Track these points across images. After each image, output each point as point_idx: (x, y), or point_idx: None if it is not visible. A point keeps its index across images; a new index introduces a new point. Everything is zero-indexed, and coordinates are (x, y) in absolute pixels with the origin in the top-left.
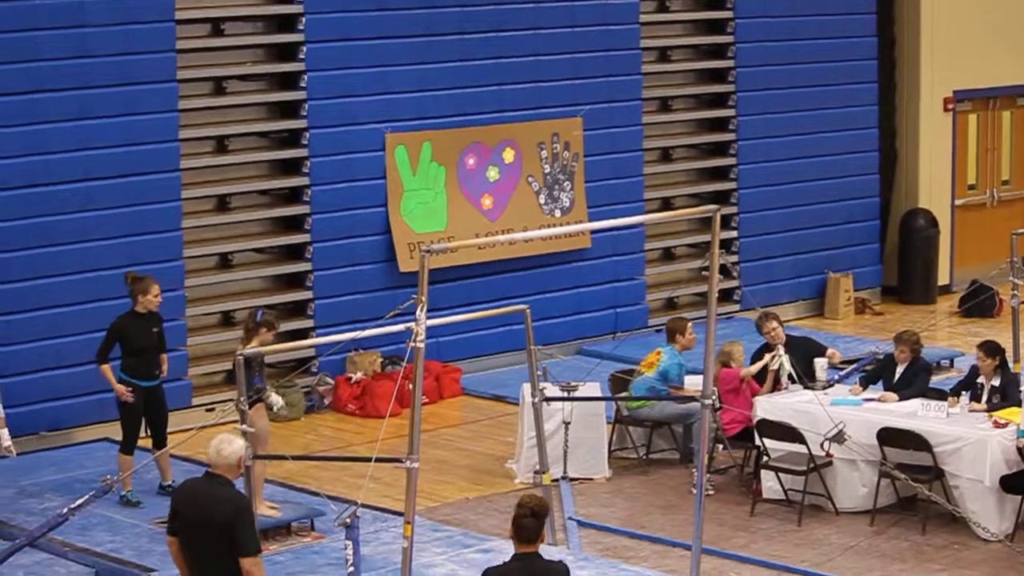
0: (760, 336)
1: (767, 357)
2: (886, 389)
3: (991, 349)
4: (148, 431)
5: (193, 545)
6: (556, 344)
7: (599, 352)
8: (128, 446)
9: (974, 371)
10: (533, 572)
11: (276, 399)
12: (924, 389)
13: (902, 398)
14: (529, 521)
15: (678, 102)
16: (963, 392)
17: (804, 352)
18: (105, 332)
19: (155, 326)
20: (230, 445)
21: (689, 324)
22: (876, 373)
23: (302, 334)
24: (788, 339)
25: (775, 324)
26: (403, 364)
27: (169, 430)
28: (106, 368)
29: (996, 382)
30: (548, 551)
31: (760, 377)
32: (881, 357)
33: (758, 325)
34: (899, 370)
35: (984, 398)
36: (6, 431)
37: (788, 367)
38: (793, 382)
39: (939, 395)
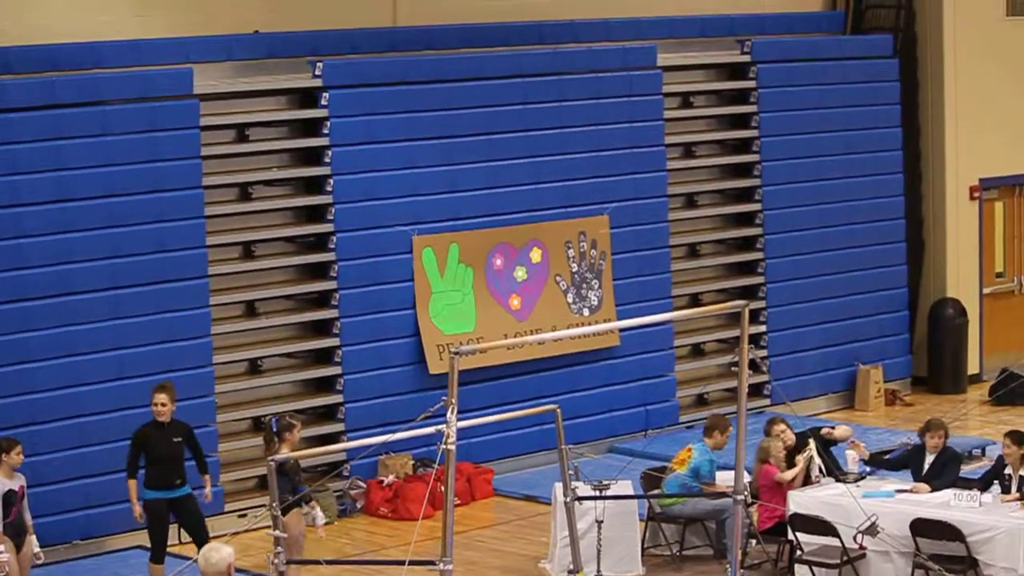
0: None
1: (800, 460)
2: (916, 479)
3: (1019, 438)
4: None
5: None
6: (587, 443)
7: (630, 450)
8: (157, 555)
9: (1001, 461)
10: None
11: (319, 516)
12: (955, 479)
13: (934, 489)
14: None
15: (704, 197)
16: (993, 482)
17: (819, 442)
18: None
19: (177, 436)
20: (217, 553)
21: (729, 426)
22: (902, 461)
23: (333, 438)
24: (800, 435)
25: (783, 427)
26: (435, 466)
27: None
28: (132, 484)
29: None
30: None
31: None
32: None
33: (767, 432)
34: (928, 459)
35: (1013, 488)
36: (34, 537)
37: (818, 460)
38: (823, 474)
39: (969, 484)
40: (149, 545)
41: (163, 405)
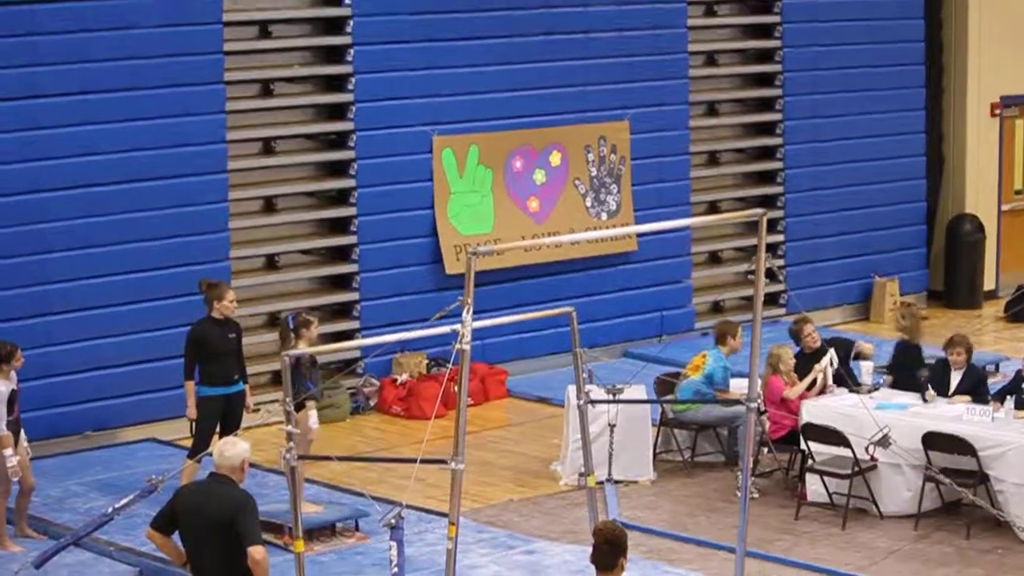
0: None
1: (815, 371)
2: (940, 395)
3: None
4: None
5: (195, 542)
6: (602, 347)
7: (645, 355)
8: (195, 453)
9: (1020, 376)
10: None
11: (313, 418)
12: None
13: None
14: (605, 548)
15: (725, 106)
16: (1008, 396)
17: (838, 353)
18: (185, 346)
19: (232, 332)
20: (233, 448)
21: (739, 328)
22: (932, 380)
23: (348, 335)
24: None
25: (811, 328)
26: (449, 366)
27: None
28: (190, 385)
29: None
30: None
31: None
32: (932, 361)
33: (794, 332)
34: (955, 377)
35: None
36: (10, 450)
37: (831, 371)
38: (838, 384)
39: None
40: (160, 437)
41: (232, 303)
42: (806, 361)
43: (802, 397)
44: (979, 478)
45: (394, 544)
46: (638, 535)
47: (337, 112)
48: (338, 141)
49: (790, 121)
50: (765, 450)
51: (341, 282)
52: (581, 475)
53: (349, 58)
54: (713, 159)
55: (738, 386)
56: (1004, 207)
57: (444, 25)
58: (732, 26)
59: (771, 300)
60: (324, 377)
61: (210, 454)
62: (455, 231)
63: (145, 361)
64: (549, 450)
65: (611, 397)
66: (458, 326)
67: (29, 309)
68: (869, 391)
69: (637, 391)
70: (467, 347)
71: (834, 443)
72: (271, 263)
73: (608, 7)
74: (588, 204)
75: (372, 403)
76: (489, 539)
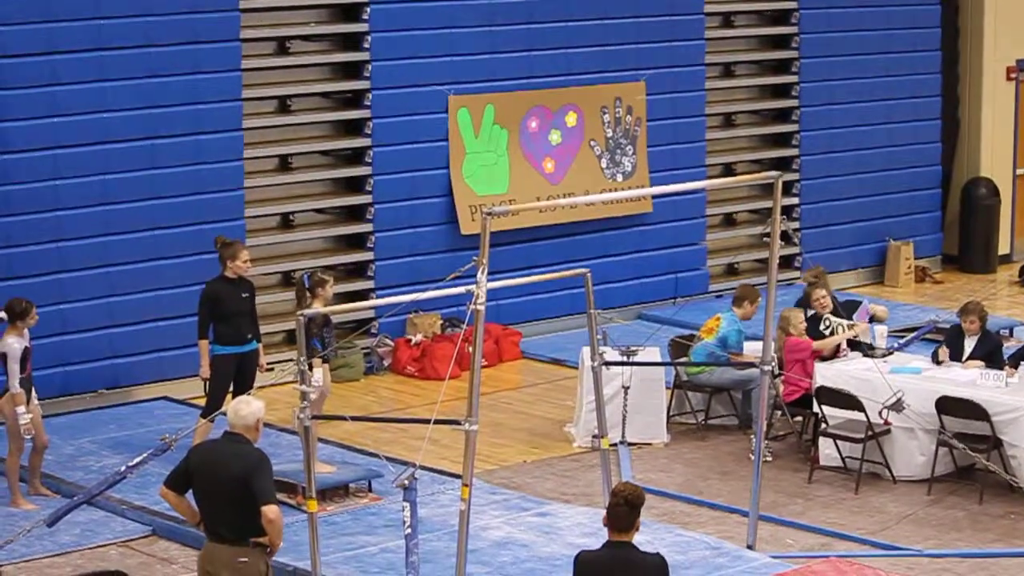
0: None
1: (848, 330)
2: (955, 360)
3: None
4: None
5: (208, 501)
6: (616, 308)
7: (659, 317)
8: (208, 412)
9: None
10: (626, 561)
11: (314, 383)
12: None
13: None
14: (623, 510)
15: (741, 68)
16: (1022, 361)
17: (848, 316)
18: (198, 304)
19: (246, 291)
20: (248, 407)
21: (759, 298)
22: (945, 345)
23: (362, 295)
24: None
25: (823, 292)
26: (463, 326)
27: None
28: (204, 344)
29: None
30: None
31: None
32: (947, 327)
33: (807, 295)
34: (968, 343)
35: None
36: (23, 407)
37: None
38: (852, 348)
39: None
40: (174, 396)
41: (246, 263)
42: (816, 324)
43: (816, 355)
44: (992, 443)
45: (407, 505)
46: (651, 498)
47: (353, 70)
48: (353, 99)
49: (806, 84)
50: (779, 413)
51: (356, 241)
52: (595, 437)
53: (365, 16)
54: (729, 121)
55: (752, 349)
56: (1019, 171)
57: None
58: None
59: (786, 263)
60: (339, 337)
61: (224, 413)
62: (470, 191)
63: (159, 319)
64: (563, 412)
65: (625, 359)
66: (473, 286)
67: (44, 266)
68: (883, 355)
69: (651, 353)
70: (481, 308)
71: (847, 407)
72: (286, 222)
73: None
74: (603, 165)
75: (386, 363)
76: (502, 501)
